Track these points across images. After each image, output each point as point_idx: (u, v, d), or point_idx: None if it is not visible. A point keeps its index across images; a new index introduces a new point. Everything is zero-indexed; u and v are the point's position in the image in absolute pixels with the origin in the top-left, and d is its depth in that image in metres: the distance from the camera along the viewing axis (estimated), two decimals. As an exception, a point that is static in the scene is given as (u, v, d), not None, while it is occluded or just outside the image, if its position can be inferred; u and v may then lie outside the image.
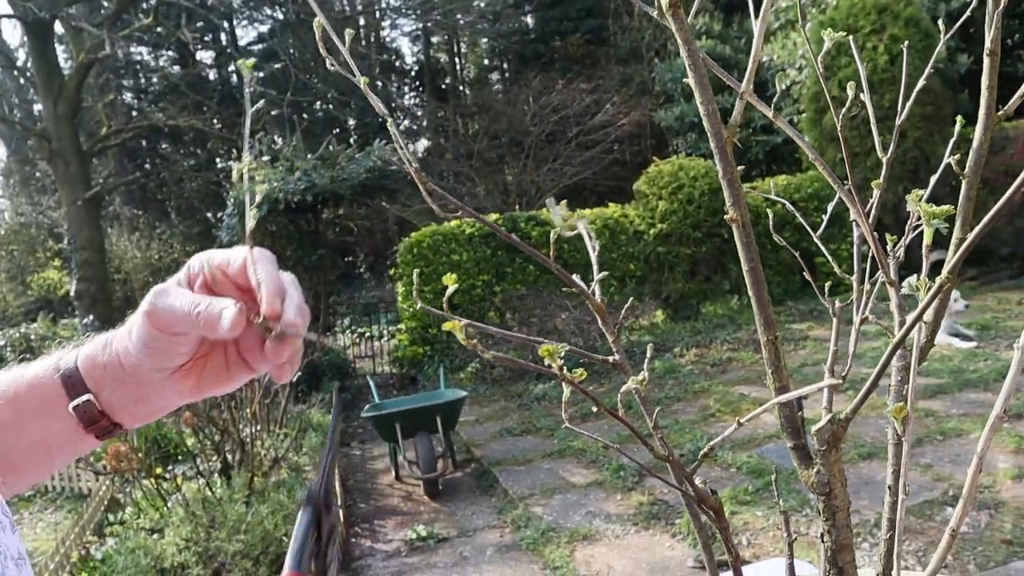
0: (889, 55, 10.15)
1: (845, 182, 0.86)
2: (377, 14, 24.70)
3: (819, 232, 0.97)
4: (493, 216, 9.71)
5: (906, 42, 1.25)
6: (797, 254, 1.23)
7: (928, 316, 0.63)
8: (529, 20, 23.54)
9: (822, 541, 0.60)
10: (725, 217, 0.62)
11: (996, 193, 10.55)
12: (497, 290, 9.36)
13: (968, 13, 1.25)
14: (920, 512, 4.16)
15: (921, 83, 0.92)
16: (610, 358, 0.68)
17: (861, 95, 0.99)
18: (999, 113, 0.74)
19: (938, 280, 0.61)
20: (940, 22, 1.30)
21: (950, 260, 0.70)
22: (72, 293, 15.94)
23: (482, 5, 22.18)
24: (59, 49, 17.63)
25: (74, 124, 16.15)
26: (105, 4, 17.94)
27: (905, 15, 10.31)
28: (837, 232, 9.06)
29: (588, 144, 17.85)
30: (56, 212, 20.01)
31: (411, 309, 8.66)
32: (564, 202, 0.66)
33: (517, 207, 17.23)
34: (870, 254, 0.84)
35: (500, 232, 0.63)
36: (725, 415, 6.38)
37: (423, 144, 24.42)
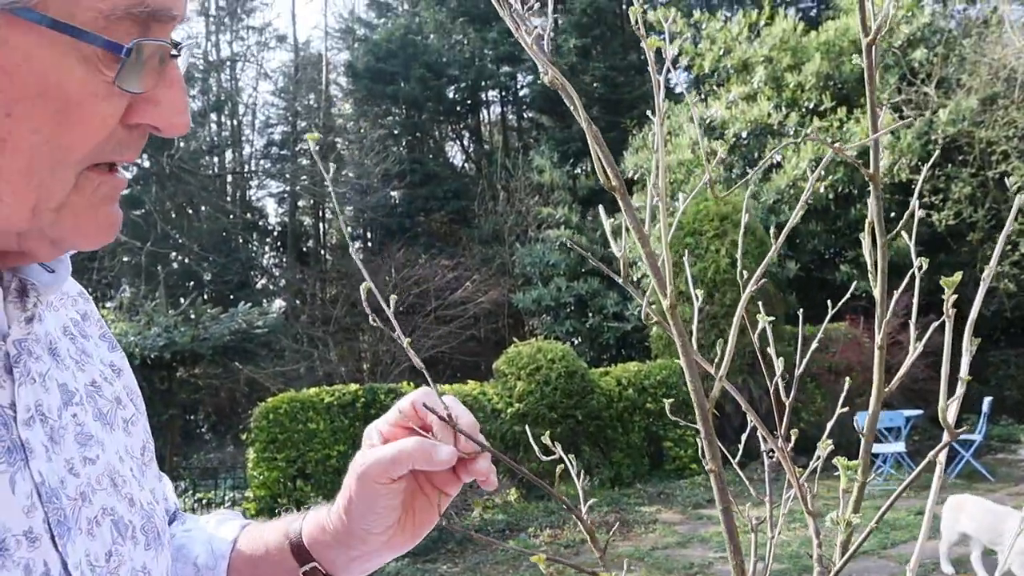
0: (730, 258, 11.15)
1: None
2: (246, 175, 24.94)
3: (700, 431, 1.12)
4: (353, 387, 9.66)
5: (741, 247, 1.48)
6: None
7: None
8: (396, 195, 24.33)
9: None
10: (707, 468, 0.76)
11: (821, 387, 11.47)
12: (352, 460, 9.15)
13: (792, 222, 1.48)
14: None
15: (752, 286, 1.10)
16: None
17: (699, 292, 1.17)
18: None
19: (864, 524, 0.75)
20: (771, 232, 1.53)
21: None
22: None
23: (352, 176, 22.84)
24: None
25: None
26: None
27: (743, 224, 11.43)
28: (684, 417, 9.50)
29: (447, 319, 18.18)
30: None
31: (261, 476, 8.30)
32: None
33: (369, 376, 17.14)
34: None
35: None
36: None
37: (278, 304, 24.14)
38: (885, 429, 9.93)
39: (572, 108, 0.76)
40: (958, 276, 0.59)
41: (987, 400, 10.08)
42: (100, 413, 0.71)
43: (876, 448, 9.43)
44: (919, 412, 10.44)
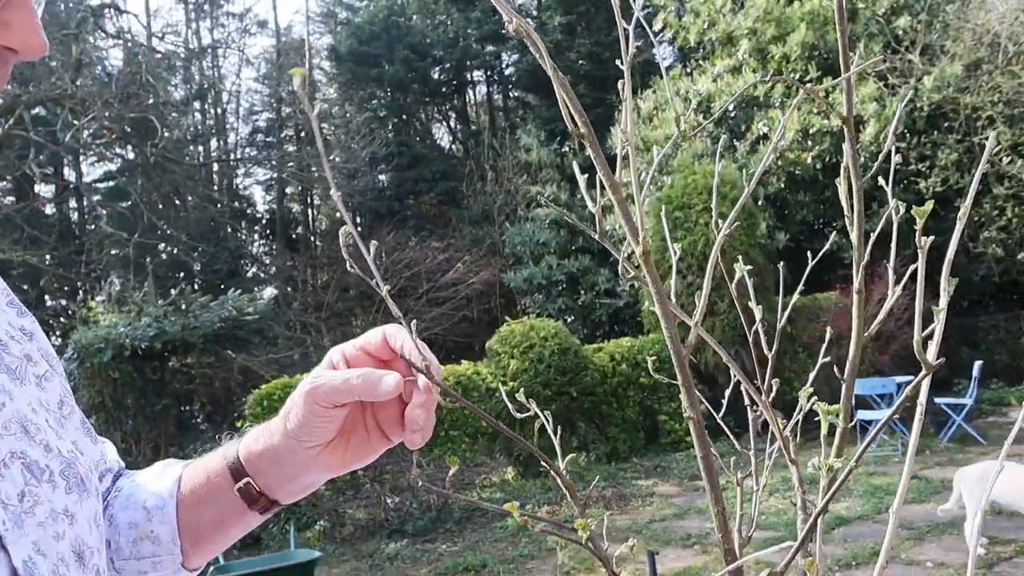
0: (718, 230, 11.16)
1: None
2: (232, 163, 24.78)
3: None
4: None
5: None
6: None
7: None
8: (384, 178, 24.21)
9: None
10: (685, 416, 0.76)
11: (813, 357, 11.51)
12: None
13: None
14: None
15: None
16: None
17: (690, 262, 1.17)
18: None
19: (845, 466, 0.75)
20: (744, 175, 1.51)
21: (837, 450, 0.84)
22: None
23: (339, 161, 22.73)
24: None
25: None
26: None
27: (731, 196, 11.44)
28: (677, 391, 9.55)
29: (439, 300, 18.19)
30: None
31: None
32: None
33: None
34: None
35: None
36: (579, 572, 6.40)
37: (270, 292, 24.05)
38: (878, 396, 9.99)
39: (537, 55, 0.75)
40: (929, 205, 0.58)
41: (977, 364, 10.14)
42: (8, 368, 0.70)
43: (869, 415, 9.48)
44: (912, 378, 10.49)
